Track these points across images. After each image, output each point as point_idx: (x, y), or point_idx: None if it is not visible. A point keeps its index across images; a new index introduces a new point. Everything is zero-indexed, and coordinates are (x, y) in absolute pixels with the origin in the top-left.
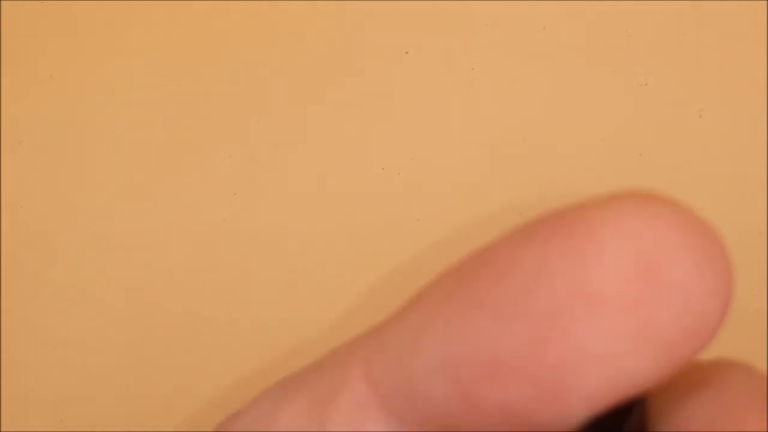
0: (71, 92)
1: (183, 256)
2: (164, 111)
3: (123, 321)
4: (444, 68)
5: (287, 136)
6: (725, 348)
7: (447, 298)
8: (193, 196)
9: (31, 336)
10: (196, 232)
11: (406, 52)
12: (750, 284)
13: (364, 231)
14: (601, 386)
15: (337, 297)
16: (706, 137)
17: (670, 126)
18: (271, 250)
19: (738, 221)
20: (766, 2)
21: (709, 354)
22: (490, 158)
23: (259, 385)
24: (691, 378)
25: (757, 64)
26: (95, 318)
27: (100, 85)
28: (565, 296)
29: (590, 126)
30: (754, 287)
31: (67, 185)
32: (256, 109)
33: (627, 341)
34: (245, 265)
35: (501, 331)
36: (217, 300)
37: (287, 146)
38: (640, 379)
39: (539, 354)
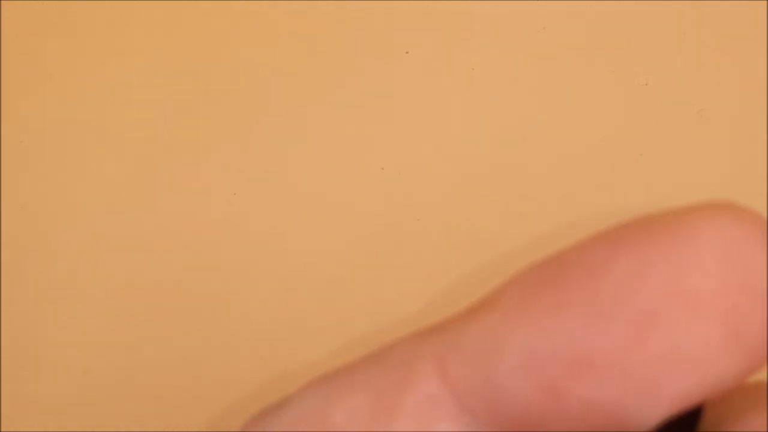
0: (71, 92)
1: (183, 256)
2: (164, 111)
3: (123, 321)
4: (444, 68)
5: (287, 136)
6: None
7: (533, 297)
8: (193, 196)
9: (31, 336)
10: (196, 232)
11: (406, 52)
12: None
13: (363, 231)
14: (692, 386)
15: (337, 297)
16: (706, 137)
17: (670, 126)
18: (272, 250)
19: None
20: (766, 2)
21: None
22: (490, 158)
23: (259, 385)
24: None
25: (757, 64)
26: (95, 318)
27: (100, 85)
28: (663, 298)
29: (590, 126)
30: None
31: (67, 185)
32: (256, 109)
33: (719, 344)
34: (245, 265)
35: (594, 330)
36: (217, 300)
37: (287, 146)
38: (726, 382)
39: (634, 353)
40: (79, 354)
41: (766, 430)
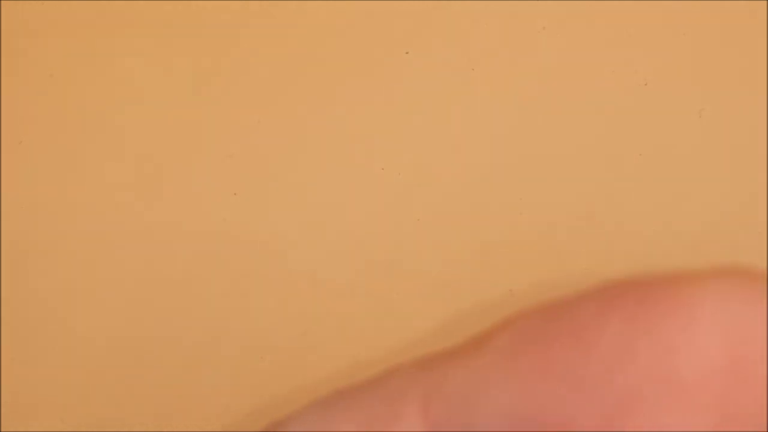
0: (71, 92)
1: (183, 256)
2: (164, 111)
3: (123, 321)
4: (444, 68)
5: (287, 136)
6: None
7: (520, 352)
8: (193, 196)
9: (31, 336)
10: (196, 232)
11: (406, 52)
12: None
13: (363, 231)
14: None
15: (337, 297)
16: (706, 137)
17: (670, 126)
18: (271, 250)
19: (738, 221)
20: (766, 2)
21: None
22: (490, 158)
23: (258, 385)
24: None
25: (757, 64)
26: (95, 318)
27: (100, 85)
28: (649, 377)
29: (590, 126)
30: None
31: (67, 185)
32: (256, 109)
33: (708, 430)
34: (245, 265)
35: (578, 401)
36: (217, 300)
37: (287, 146)
38: None
39: (614, 429)
40: (79, 354)
41: None
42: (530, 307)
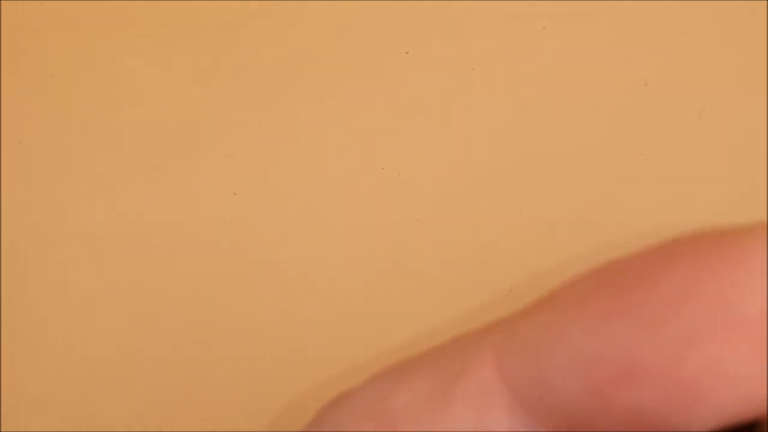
0: (71, 92)
1: (183, 256)
2: (164, 111)
3: (123, 321)
4: (444, 68)
5: (287, 136)
6: None
7: (590, 300)
8: (193, 196)
9: (31, 336)
10: (196, 232)
11: (406, 52)
12: None
13: (363, 231)
14: (732, 404)
15: (337, 297)
16: (706, 137)
17: (670, 126)
18: (271, 250)
19: (738, 221)
20: (766, 2)
21: None
22: (490, 158)
23: (258, 385)
24: None
25: (757, 64)
26: (95, 318)
27: (100, 85)
28: (710, 314)
29: (590, 126)
30: None
31: (67, 185)
32: (256, 109)
33: (761, 364)
34: (245, 266)
35: (642, 338)
36: (217, 300)
37: (287, 146)
38: (766, 402)
39: (677, 365)
40: (79, 353)
41: None
42: (595, 266)
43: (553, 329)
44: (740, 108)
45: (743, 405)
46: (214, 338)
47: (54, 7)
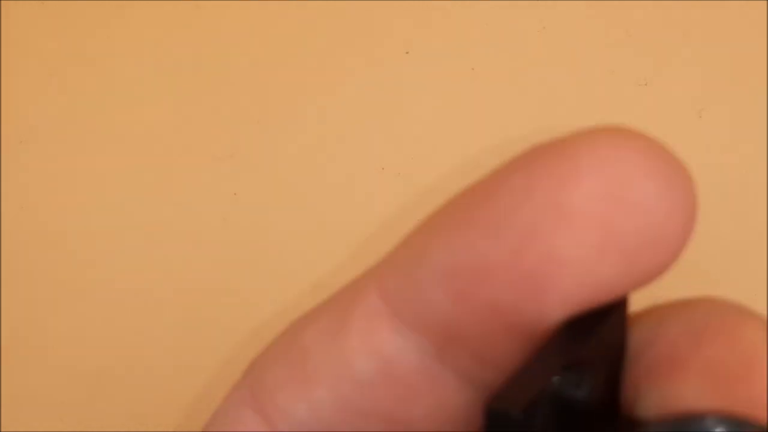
0: (71, 92)
1: (183, 256)
2: (164, 111)
3: (123, 321)
4: (444, 68)
5: (287, 136)
6: None
7: (444, 218)
8: (193, 196)
9: (31, 336)
10: (196, 232)
11: (406, 52)
12: (750, 284)
13: (363, 231)
14: (573, 288)
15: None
16: (706, 137)
17: (670, 126)
18: (271, 250)
19: (738, 221)
20: (766, 2)
21: None
22: (490, 158)
23: None
24: (669, 307)
25: (757, 64)
26: (95, 318)
27: (100, 85)
28: (543, 212)
29: (590, 126)
30: (754, 287)
31: (67, 185)
32: (256, 109)
33: (594, 249)
34: (245, 265)
35: (488, 241)
36: (217, 300)
37: (287, 146)
38: (608, 284)
39: (519, 257)
40: (79, 354)
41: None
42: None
43: (418, 249)
44: (740, 108)
45: (584, 290)
46: (214, 338)
47: (54, 7)
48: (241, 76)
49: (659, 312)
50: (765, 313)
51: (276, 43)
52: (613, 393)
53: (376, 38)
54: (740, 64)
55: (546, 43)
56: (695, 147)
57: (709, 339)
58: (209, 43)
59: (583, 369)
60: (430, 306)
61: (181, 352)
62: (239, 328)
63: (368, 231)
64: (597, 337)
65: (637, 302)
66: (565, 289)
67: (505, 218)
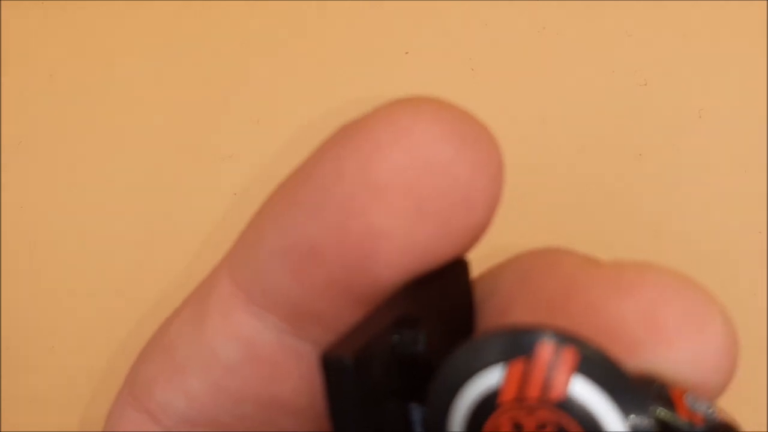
0: (71, 92)
1: (183, 256)
2: (164, 111)
3: (123, 321)
4: (444, 68)
5: (287, 136)
6: None
7: (277, 199)
8: (193, 196)
9: (31, 336)
10: (196, 232)
11: (406, 52)
12: (750, 284)
13: None
14: (396, 256)
15: None
16: (706, 137)
17: (670, 126)
18: None
19: (738, 221)
20: (766, 2)
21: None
22: None
23: None
24: (506, 261)
25: (757, 64)
26: (95, 318)
27: (100, 85)
28: (355, 189)
29: (590, 126)
30: (754, 287)
31: (67, 185)
32: (256, 109)
33: (407, 217)
34: None
35: (313, 222)
36: None
37: (287, 146)
38: (428, 247)
39: (342, 237)
40: (79, 354)
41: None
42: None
43: (257, 232)
44: (740, 108)
45: (408, 256)
46: None
47: (54, 7)
48: (241, 76)
49: (499, 267)
50: (765, 312)
51: (276, 42)
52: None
53: (376, 38)
54: (740, 64)
55: (546, 43)
56: (695, 147)
57: (533, 277)
58: (209, 42)
59: (418, 326)
60: (274, 286)
61: None
62: None
63: None
64: (430, 294)
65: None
66: (390, 258)
67: (323, 199)
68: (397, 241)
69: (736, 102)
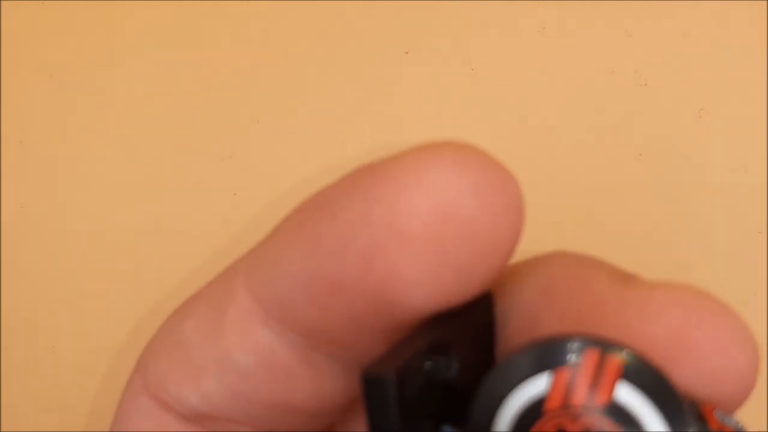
0: (71, 92)
1: (183, 256)
2: (164, 111)
3: (123, 321)
4: (444, 68)
5: (287, 136)
6: None
7: (299, 229)
8: (193, 196)
9: (31, 336)
10: (196, 232)
11: (406, 52)
12: (750, 284)
13: None
14: (419, 301)
15: None
16: (706, 137)
17: (670, 126)
18: None
19: (738, 221)
20: (766, 2)
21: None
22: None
23: None
24: (520, 272)
25: (757, 64)
26: (95, 318)
27: (99, 85)
28: (380, 236)
29: (590, 126)
30: (754, 287)
31: (67, 185)
32: (256, 109)
33: (430, 266)
34: None
35: (337, 261)
36: None
37: (287, 146)
38: (450, 293)
39: (366, 279)
40: (79, 354)
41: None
42: (305, 199)
43: (281, 254)
44: (740, 108)
45: (430, 300)
46: None
47: (54, 7)
48: (240, 76)
49: (513, 280)
50: (765, 312)
51: (276, 42)
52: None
53: (376, 38)
54: (740, 64)
55: (546, 43)
56: (695, 147)
57: (559, 292)
58: (209, 42)
59: (451, 353)
60: (295, 309)
61: None
62: None
63: None
64: (459, 323)
65: None
66: (412, 302)
67: (348, 241)
68: (420, 287)
69: (736, 102)
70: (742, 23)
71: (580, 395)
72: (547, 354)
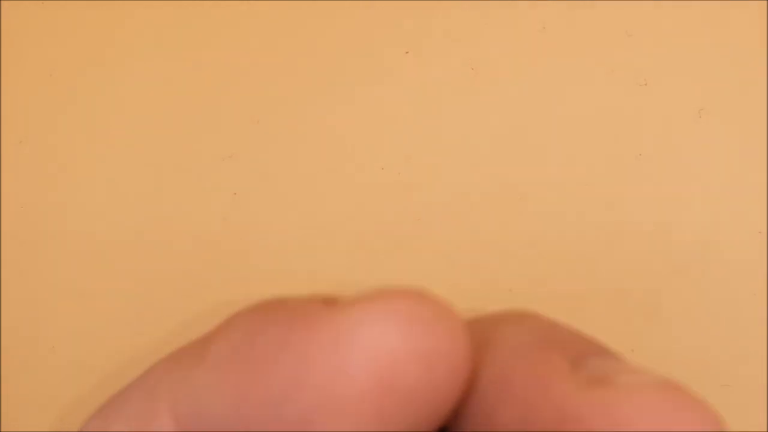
0: (71, 92)
1: (183, 256)
2: (164, 110)
3: (123, 321)
4: (444, 68)
5: (287, 135)
6: (725, 348)
7: (235, 362)
8: (193, 196)
9: (31, 336)
10: (196, 232)
11: (406, 52)
12: (750, 284)
13: (363, 231)
14: None
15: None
16: (706, 137)
17: (670, 126)
18: (271, 250)
19: (738, 221)
20: (766, 2)
21: (713, 355)
22: (490, 158)
23: None
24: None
25: (757, 64)
26: (95, 318)
27: (100, 85)
28: (319, 400)
29: (589, 126)
30: (754, 287)
31: (67, 185)
32: (256, 109)
33: (370, 428)
34: (245, 266)
35: (272, 415)
36: (217, 299)
37: (287, 146)
38: None
39: None
40: (79, 354)
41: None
42: (244, 312)
43: (211, 389)
44: (740, 108)
45: None
46: None
47: (54, 7)
48: (241, 76)
49: (473, 352)
50: (765, 312)
51: (275, 42)
52: None
53: (376, 38)
54: (740, 64)
55: (546, 43)
56: (695, 147)
57: (517, 388)
58: (209, 42)
59: None
60: None
61: None
62: None
63: (368, 231)
64: None
65: (632, 301)
66: None
67: (286, 396)
68: None
69: (736, 102)
70: (742, 23)
71: None
72: None
